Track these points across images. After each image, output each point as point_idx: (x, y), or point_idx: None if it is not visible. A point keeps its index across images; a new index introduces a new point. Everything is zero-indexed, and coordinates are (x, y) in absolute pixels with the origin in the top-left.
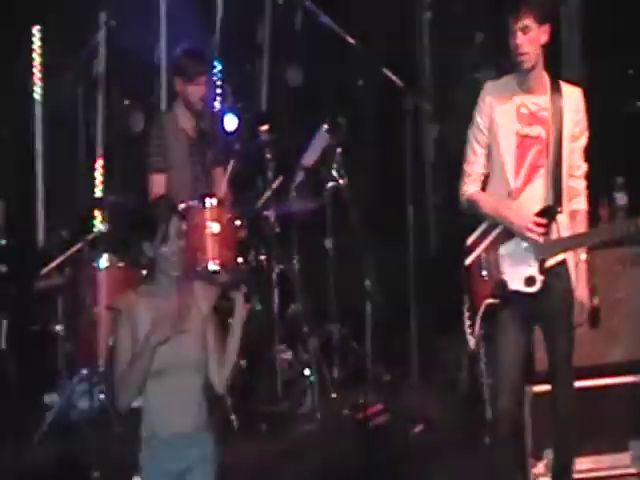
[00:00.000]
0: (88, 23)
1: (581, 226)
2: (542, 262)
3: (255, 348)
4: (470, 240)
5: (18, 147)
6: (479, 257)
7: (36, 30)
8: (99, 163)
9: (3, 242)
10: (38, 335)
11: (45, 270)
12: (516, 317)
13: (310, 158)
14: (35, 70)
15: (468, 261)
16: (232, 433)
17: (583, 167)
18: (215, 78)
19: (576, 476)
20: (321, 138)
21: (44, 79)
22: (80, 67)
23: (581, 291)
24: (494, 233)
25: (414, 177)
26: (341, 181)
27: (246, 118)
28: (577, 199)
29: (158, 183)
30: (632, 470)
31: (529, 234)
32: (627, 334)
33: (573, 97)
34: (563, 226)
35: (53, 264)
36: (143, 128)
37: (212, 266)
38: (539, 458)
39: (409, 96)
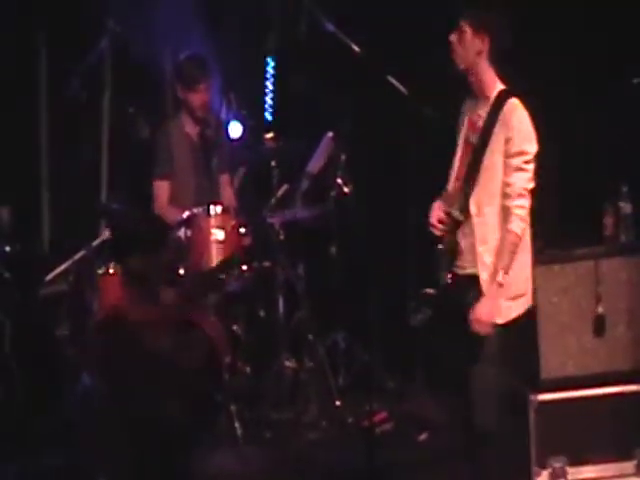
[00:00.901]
0: (94, 29)
1: (503, 248)
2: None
3: (260, 355)
4: None
5: (23, 153)
6: None
7: (42, 35)
8: (104, 170)
9: (8, 248)
10: (42, 340)
11: (50, 276)
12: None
13: (315, 165)
14: (41, 76)
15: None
16: (236, 440)
17: (511, 187)
18: (219, 85)
19: None
20: (326, 145)
21: (49, 85)
22: (85, 73)
23: (480, 305)
24: None
25: (417, 183)
26: (346, 188)
27: (251, 125)
28: (509, 219)
29: (163, 189)
30: (637, 479)
31: (431, 227)
32: (632, 343)
33: (510, 113)
34: (479, 238)
35: (57, 270)
36: (148, 135)
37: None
38: (543, 467)
39: (413, 103)
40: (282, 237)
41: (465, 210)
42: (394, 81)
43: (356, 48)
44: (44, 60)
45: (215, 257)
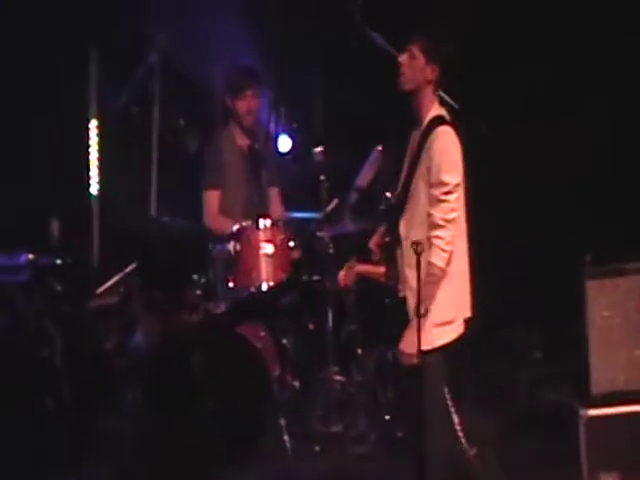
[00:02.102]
0: (144, 43)
1: (425, 279)
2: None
3: (309, 369)
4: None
5: (74, 166)
6: None
7: (93, 51)
8: (154, 184)
9: (58, 261)
10: (91, 353)
11: (100, 290)
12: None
13: (364, 179)
14: (91, 91)
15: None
16: (285, 454)
17: (431, 217)
18: (269, 98)
19: None
20: (375, 159)
21: (100, 100)
22: (135, 88)
23: (405, 337)
24: None
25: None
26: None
27: (300, 139)
28: (430, 250)
29: (214, 199)
30: None
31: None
32: None
33: (433, 142)
34: (406, 262)
35: (108, 284)
36: (198, 148)
37: (265, 286)
38: None
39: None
40: (331, 250)
41: (395, 235)
42: (444, 95)
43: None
44: (95, 75)
45: (264, 271)
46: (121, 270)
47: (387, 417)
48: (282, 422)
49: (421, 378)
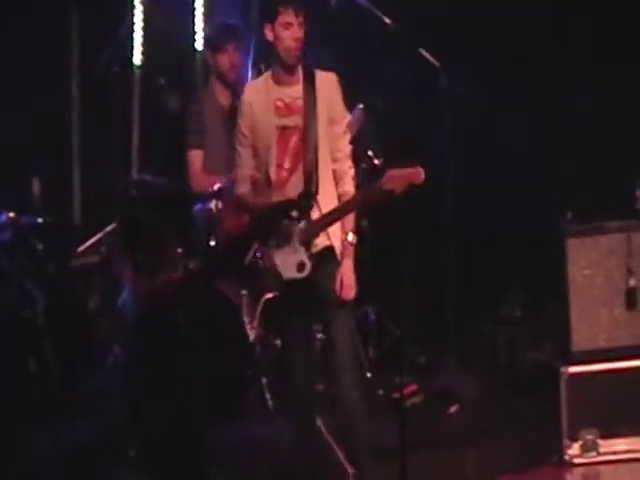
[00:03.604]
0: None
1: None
2: (307, 246)
3: None
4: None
5: (54, 125)
6: (254, 253)
7: (73, 11)
8: (135, 142)
9: (40, 220)
10: (74, 312)
11: (81, 248)
12: (295, 305)
13: None
14: (72, 50)
15: (247, 259)
16: (267, 412)
17: (346, 149)
18: (250, 56)
19: (614, 457)
20: (357, 118)
21: (80, 58)
22: (115, 46)
23: (345, 268)
24: (262, 230)
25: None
26: (376, 160)
27: None
28: (342, 181)
29: (197, 158)
30: None
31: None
32: None
33: (326, 83)
34: (328, 209)
35: (89, 242)
36: (179, 106)
37: None
38: (574, 439)
39: (444, 76)
40: None
41: (315, 184)
42: (426, 54)
43: (387, 20)
44: (75, 33)
45: None
46: (102, 229)
47: (369, 375)
48: (264, 381)
49: (349, 318)
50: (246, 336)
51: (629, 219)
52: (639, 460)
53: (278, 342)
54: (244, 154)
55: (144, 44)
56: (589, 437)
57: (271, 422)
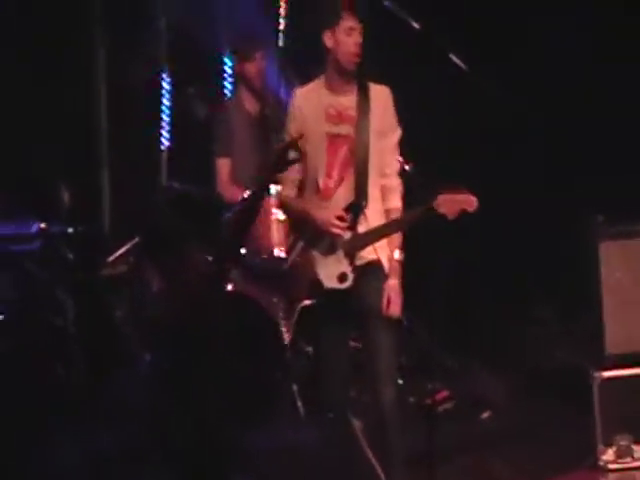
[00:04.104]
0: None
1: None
2: (352, 258)
3: None
4: (287, 245)
5: (83, 135)
6: (294, 261)
7: (101, 20)
8: (165, 151)
9: (70, 230)
10: (102, 319)
11: (111, 258)
12: (334, 314)
13: None
14: (99, 58)
15: (286, 265)
16: (298, 418)
17: (395, 165)
18: (277, 63)
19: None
20: None
21: (109, 66)
22: (143, 55)
23: (392, 286)
24: (306, 236)
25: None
26: (407, 166)
27: None
28: (390, 197)
29: (225, 167)
30: None
31: (332, 229)
32: None
33: (380, 96)
34: (375, 223)
35: (118, 252)
36: (207, 115)
37: (277, 252)
38: (609, 444)
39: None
40: None
41: (365, 196)
42: (455, 58)
43: (416, 25)
44: (103, 41)
45: (276, 236)
46: (131, 238)
47: (400, 382)
48: (295, 388)
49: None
50: (277, 343)
51: None
52: None
53: (309, 349)
54: None
55: (172, 52)
56: (623, 442)
57: (301, 428)
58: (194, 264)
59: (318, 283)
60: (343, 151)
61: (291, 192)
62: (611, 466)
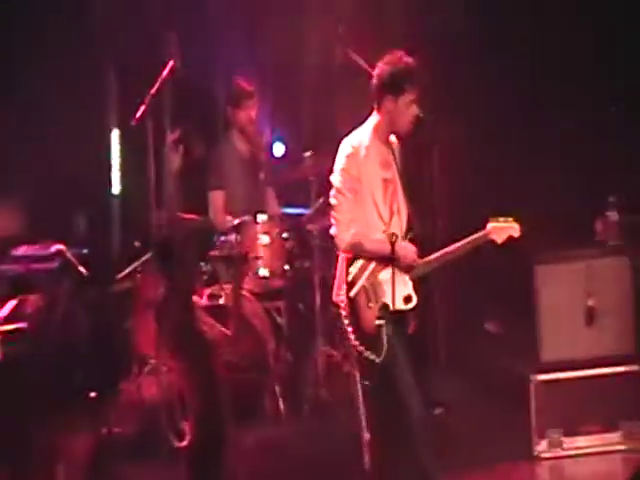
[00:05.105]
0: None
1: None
2: (415, 281)
3: (300, 343)
4: (350, 276)
5: (98, 170)
6: (363, 287)
7: (113, 64)
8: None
9: (85, 251)
10: (112, 330)
11: (120, 275)
12: (400, 331)
13: None
14: (111, 103)
15: (352, 293)
16: (280, 415)
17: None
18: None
19: (576, 452)
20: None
21: (120, 110)
22: (150, 101)
23: None
24: (371, 266)
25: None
26: None
27: (292, 146)
28: None
29: (218, 198)
30: (622, 447)
31: (413, 262)
32: (617, 331)
33: (396, 144)
34: None
35: (127, 270)
36: (202, 152)
37: (263, 271)
38: (542, 437)
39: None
40: (318, 242)
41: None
42: None
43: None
44: (114, 87)
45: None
46: (138, 258)
47: (367, 383)
48: (277, 388)
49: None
50: (262, 350)
51: (588, 248)
52: (598, 454)
53: (289, 355)
54: (351, 199)
55: (173, 99)
56: (555, 435)
57: (282, 422)
58: (194, 280)
59: (386, 305)
60: (389, 193)
61: (352, 231)
62: (544, 455)
